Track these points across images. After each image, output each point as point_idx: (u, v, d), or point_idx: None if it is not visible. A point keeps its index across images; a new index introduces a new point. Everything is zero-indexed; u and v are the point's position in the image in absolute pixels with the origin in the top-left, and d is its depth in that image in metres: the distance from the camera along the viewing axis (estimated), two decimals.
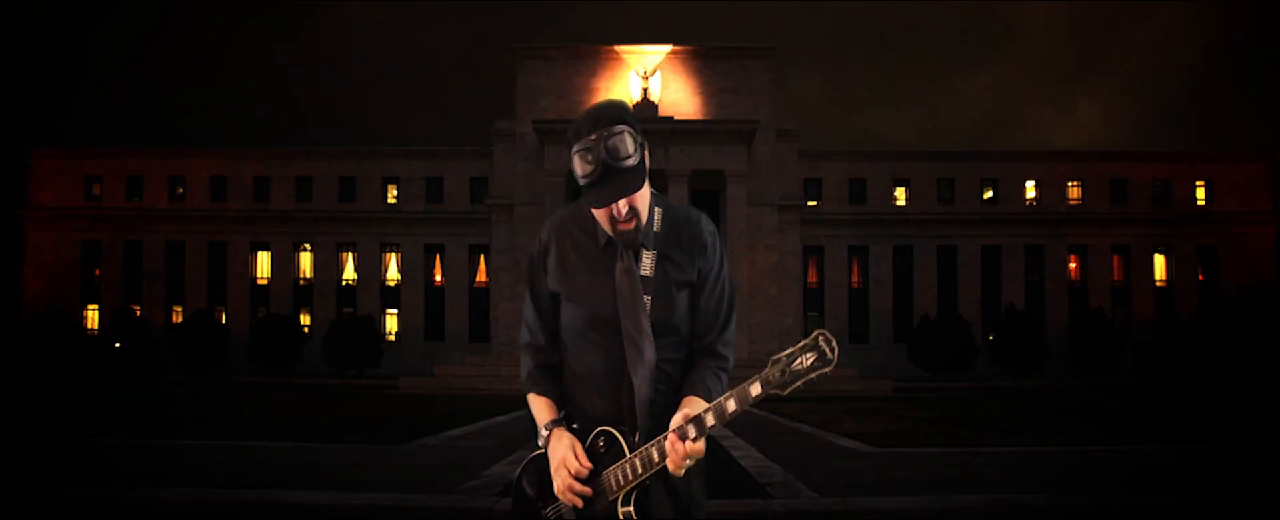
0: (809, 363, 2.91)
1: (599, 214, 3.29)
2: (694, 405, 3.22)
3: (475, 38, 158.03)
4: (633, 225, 3.27)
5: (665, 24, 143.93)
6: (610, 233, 3.30)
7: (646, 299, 3.31)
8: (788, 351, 2.96)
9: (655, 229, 3.38)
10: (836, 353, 2.90)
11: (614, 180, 3.18)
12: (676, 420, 3.13)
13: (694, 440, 3.06)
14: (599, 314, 3.34)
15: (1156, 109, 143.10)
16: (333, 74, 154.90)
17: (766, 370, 2.96)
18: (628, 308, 3.29)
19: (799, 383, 2.91)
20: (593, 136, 3.17)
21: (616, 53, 58.54)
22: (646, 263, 3.34)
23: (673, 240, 3.39)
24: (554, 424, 3.41)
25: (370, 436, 17.27)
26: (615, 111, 3.23)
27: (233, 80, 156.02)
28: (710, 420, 3.04)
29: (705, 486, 3.49)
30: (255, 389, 41.25)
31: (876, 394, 40.21)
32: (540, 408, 3.47)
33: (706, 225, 3.46)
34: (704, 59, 58.60)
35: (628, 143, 3.19)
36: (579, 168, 3.19)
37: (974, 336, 61.22)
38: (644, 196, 3.30)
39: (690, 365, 3.43)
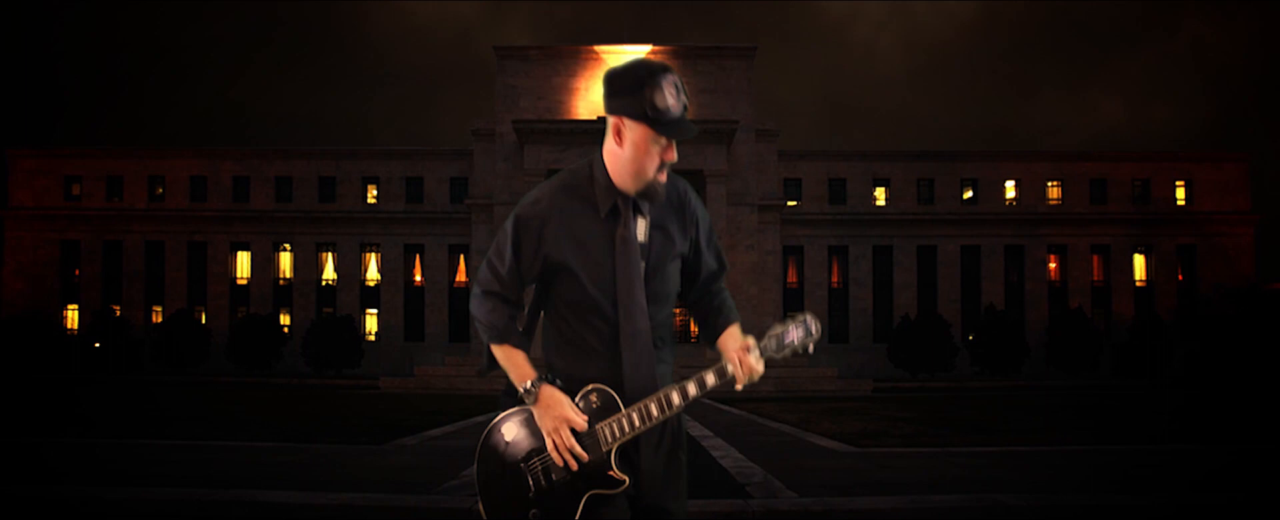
0: (798, 337, 3.27)
1: (649, 161, 3.26)
2: (737, 332, 3.45)
3: (455, 37, 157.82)
4: (665, 175, 3.32)
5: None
6: (641, 187, 3.30)
7: (643, 266, 3.32)
8: (776, 330, 3.29)
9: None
10: (819, 331, 3.29)
11: (685, 117, 3.26)
12: (734, 342, 3.39)
13: (754, 361, 3.28)
14: (602, 282, 3.28)
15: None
16: (313, 74, 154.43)
17: (763, 340, 3.30)
18: (624, 276, 3.27)
19: (786, 352, 3.28)
20: (667, 75, 3.20)
21: (595, 52, 58.49)
22: (640, 230, 3.33)
23: (666, 208, 3.40)
24: (542, 380, 3.31)
25: (349, 437, 17.19)
26: (660, 62, 3.27)
27: (213, 81, 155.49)
28: (755, 355, 3.31)
29: (686, 483, 3.51)
30: (247, 389, 41.03)
31: (856, 394, 40.21)
32: (520, 361, 3.36)
33: (692, 192, 3.50)
34: (683, 59, 58.59)
35: None
36: (670, 98, 3.18)
37: (953, 336, 61.47)
38: None
39: (706, 305, 3.55)
